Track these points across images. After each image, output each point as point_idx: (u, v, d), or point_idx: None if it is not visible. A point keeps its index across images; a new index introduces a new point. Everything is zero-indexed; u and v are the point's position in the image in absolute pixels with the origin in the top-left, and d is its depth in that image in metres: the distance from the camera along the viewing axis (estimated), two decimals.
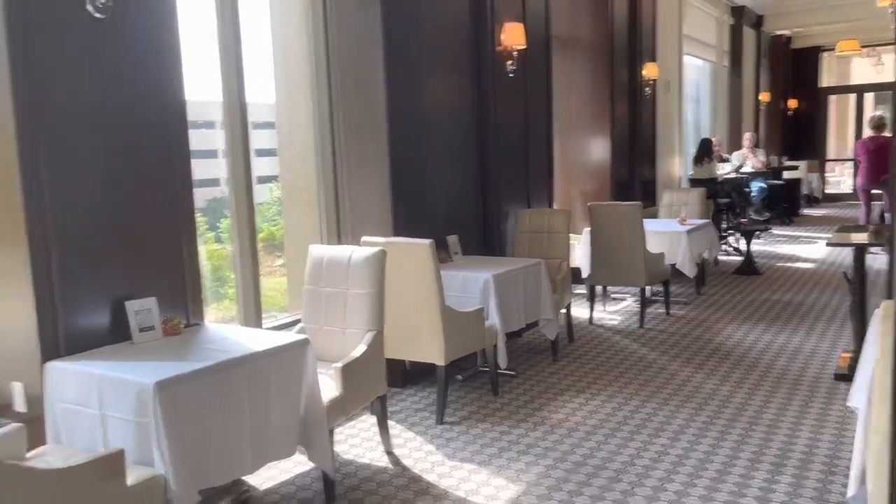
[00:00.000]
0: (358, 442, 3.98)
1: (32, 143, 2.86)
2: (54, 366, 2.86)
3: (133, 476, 2.48)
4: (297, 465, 3.61)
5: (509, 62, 5.68)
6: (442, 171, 5.25)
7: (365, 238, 4.20)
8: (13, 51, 2.79)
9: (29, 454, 2.69)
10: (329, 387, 3.34)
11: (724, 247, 9.57)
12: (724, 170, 10.95)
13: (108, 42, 3.09)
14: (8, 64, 2.79)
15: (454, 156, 5.39)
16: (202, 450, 2.70)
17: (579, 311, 6.59)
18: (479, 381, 4.87)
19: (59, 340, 2.94)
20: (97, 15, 3.01)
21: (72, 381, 2.81)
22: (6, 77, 2.80)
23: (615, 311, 6.85)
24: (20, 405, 2.96)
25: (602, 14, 7.96)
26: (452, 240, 5.12)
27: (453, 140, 5.39)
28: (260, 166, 5.22)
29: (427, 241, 4.07)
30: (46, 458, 2.63)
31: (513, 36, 5.63)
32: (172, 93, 3.37)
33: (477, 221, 5.62)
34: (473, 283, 4.61)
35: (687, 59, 10.91)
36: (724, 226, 10.04)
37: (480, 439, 3.98)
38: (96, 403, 2.73)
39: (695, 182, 9.65)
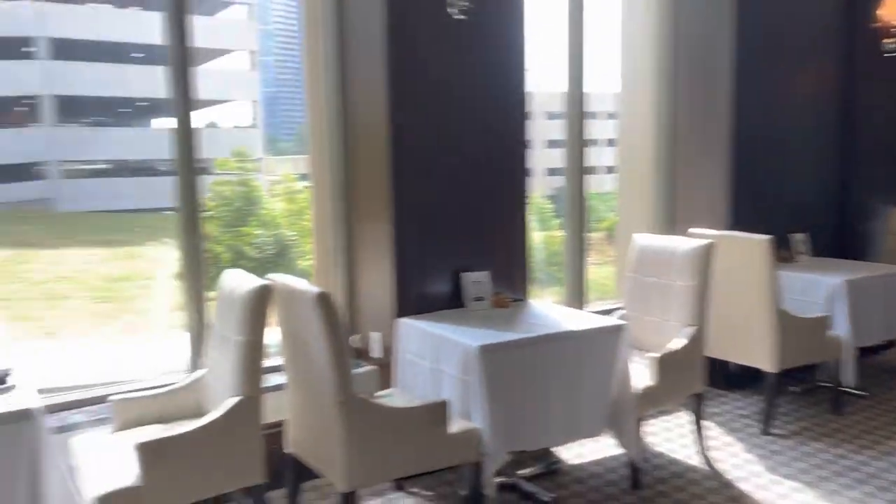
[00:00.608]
0: (672, 437, 3.90)
1: (399, 130, 3.37)
2: (403, 322, 3.35)
3: (455, 426, 2.81)
4: (607, 447, 3.68)
5: (888, 40, 4.93)
6: (792, 162, 4.80)
7: (692, 230, 4.07)
8: (390, 50, 3.30)
9: (378, 393, 3.21)
10: (643, 375, 3.34)
11: None
12: None
13: (465, 39, 3.49)
14: (384, 64, 3.32)
15: (809, 146, 4.89)
16: (515, 413, 2.93)
17: None
18: (817, 396, 4.39)
19: (409, 301, 3.44)
20: (458, 16, 3.41)
21: (415, 337, 3.27)
22: (382, 71, 3.33)
23: None
24: (376, 352, 3.53)
25: None
26: (798, 238, 4.66)
27: (809, 129, 4.88)
28: (609, 156, 5.35)
29: (764, 238, 3.79)
30: (391, 398, 3.10)
31: (894, 9, 4.88)
32: (515, 83, 3.67)
33: (833, 220, 5.02)
34: (819, 288, 4.16)
35: None
36: None
37: (810, 458, 3.62)
38: (432, 358, 3.13)
39: None
